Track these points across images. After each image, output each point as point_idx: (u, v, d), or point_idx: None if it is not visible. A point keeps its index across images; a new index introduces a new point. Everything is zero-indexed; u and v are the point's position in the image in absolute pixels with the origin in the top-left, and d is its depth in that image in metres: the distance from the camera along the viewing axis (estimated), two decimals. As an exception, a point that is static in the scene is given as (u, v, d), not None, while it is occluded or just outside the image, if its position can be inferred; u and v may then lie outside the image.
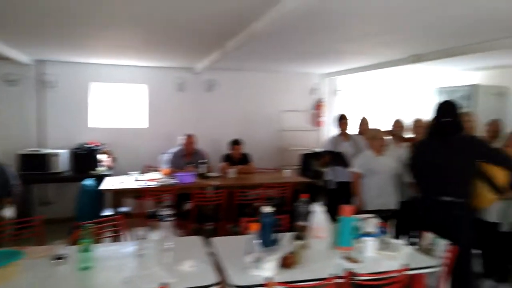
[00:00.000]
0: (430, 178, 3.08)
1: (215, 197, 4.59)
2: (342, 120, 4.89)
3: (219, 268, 2.35)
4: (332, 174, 4.83)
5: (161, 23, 3.40)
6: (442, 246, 2.69)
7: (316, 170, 5.53)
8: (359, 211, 3.78)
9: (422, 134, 3.79)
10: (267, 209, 2.51)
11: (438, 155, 3.01)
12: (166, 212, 2.74)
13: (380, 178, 3.89)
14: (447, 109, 3.05)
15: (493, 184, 2.90)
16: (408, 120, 4.60)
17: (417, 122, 4.32)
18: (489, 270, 3.69)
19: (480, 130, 4.36)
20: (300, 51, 4.74)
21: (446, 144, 3.00)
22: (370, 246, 2.55)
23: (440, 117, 3.06)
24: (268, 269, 2.18)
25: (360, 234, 2.70)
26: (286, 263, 2.29)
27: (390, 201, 3.92)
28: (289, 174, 5.39)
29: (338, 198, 4.76)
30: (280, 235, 2.58)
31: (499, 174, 2.90)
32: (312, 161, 5.82)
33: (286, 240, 2.61)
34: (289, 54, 4.98)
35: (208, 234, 3.55)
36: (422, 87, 6.95)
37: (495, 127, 4.28)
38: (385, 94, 7.52)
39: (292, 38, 3.94)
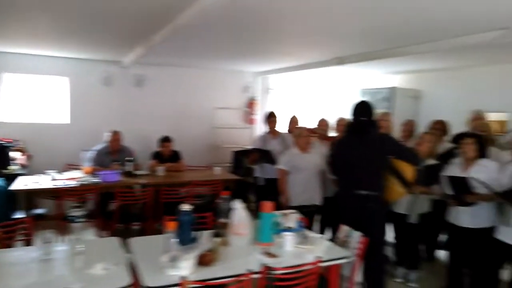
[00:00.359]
0: (347, 174, 3.25)
1: (142, 196, 4.42)
2: (270, 118, 4.98)
3: (134, 269, 2.26)
4: (261, 171, 4.90)
5: (73, 10, 3.14)
6: (356, 237, 2.85)
7: (246, 168, 5.58)
8: (285, 206, 3.88)
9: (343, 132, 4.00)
10: (186, 207, 2.47)
11: (354, 152, 3.19)
12: (78, 213, 2.57)
13: (305, 174, 4.02)
14: (363, 109, 3.23)
15: (402, 178, 3.13)
16: (333, 119, 4.81)
17: (340, 121, 4.54)
18: (401, 258, 3.99)
19: (396, 129, 4.71)
20: (228, 49, 4.74)
21: (361, 141, 3.18)
22: (289, 240, 2.62)
23: (358, 116, 3.24)
24: (184, 268, 2.14)
25: (280, 230, 2.76)
26: (204, 261, 2.27)
27: (315, 197, 4.07)
28: (219, 172, 5.37)
29: (267, 194, 4.85)
30: (199, 233, 2.55)
31: (407, 170, 3.14)
32: (243, 159, 5.86)
33: (206, 238, 2.58)
34: (219, 52, 4.96)
35: (134, 234, 3.41)
36: (348, 88, 7.34)
37: (409, 127, 4.65)
38: (314, 94, 7.81)
39: (218, 35, 3.91)
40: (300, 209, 3.88)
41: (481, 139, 3.50)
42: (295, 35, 3.82)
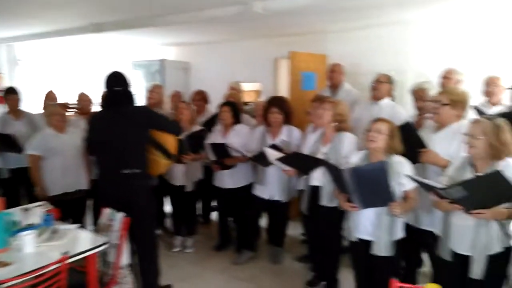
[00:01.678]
0: (106, 152, 2.94)
1: None
2: (8, 95, 4.04)
3: None
4: (2, 161, 3.98)
5: None
6: (120, 219, 2.64)
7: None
8: (43, 198, 3.29)
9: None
10: None
11: (112, 128, 2.89)
12: None
13: (63, 157, 3.48)
14: (116, 79, 2.94)
15: (165, 150, 3.07)
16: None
17: (82, 96, 4.11)
18: (178, 228, 4.05)
19: (166, 101, 4.66)
20: None
21: (118, 115, 2.90)
22: (29, 241, 2.16)
23: (111, 87, 2.93)
24: None
25: (19, 230, 2.25)
26: None
27: (80, 181, 3.60)
28: None
29: (16, 188, 4.03)
30: None
31: (169, 140, 3.09)
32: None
33: None
34: None
35: None
36: (119, 60, 6.85)
37: (176, 98, 4.68)
38: (78, 66, 6.95)
39: None
40: (63, 197, 3.41)
41: (235, 106, 3.83)
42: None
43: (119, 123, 2.88)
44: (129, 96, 2.96)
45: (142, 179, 2.95)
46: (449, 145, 2.45)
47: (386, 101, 3.61)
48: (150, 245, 3.04)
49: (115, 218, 2.67)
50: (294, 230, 4.14)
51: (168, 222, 4.42)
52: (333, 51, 4.97)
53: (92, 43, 6.18)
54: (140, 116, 2.96)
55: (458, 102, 2.47)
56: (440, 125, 2.55)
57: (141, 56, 6.64)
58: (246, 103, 4.86)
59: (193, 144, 3.64)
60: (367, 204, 2.33)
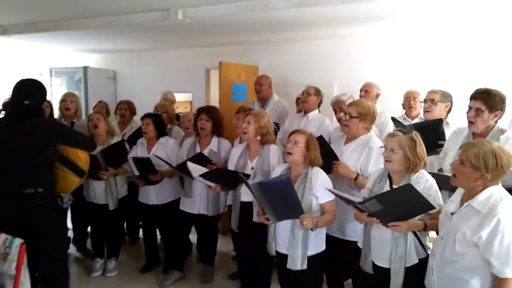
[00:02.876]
0: (5, 169, 2.58)
1: None
2: None
3: None
4: None
5: None
6: (18, 245, 2.30)
7: None
8: None
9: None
10: None
11: (13, 143, 2.55)
12: None
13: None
14: (28, 91, 2.62)
15: (75, 167, 2.77)
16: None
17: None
18: (99, 249, 3.71)
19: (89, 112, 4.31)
20: None
21: (20, 129, 2.56)
22: None
23: (21, 99, 2.59)
24: None
25: None
26: None
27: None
28: None
29: None
30: None
31: (79, 156, 2.79)
32: None
33: None
34: None
35: None
36: (34, 67, 6.21)
37: (99, 108, 4.33)
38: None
39: None
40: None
41: (158, 119, 3.61)
42: None
43: (20, 138, 2.55)
44: (35, 109, 2.65)
45: (46, 199, 2.62)
46: (358, 157, 2.51)
47: (314, 114, 3.64)
48: (56, 275, 2.71)
49: (12, 245, 2.33)
50: (226, 245, 4.00)
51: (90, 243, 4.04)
52: (264, 62, 4.97)
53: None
54: (45, 131, 2.64)
55: (366, 115, 2.54)
56: (351, 137, 2.61)
57: (62, 63, 6.13)
58: (178, 115, 4.62)
59: (112, 158, 3.37)
60: (279, 217, 2.31)
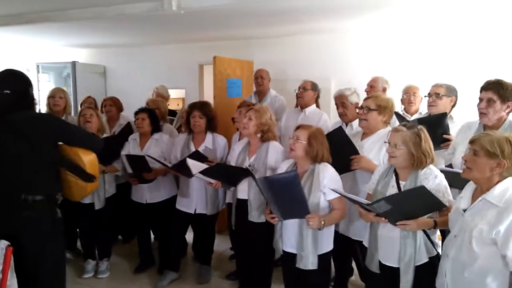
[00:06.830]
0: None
1: None
2: None
3: None
4: None
5: None
6: (2, 248, 2.15)
7: None
8: None
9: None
10: None
11: (1, 141, 2.27)
12: None
13: None
14: (5, 79, 2.26)
15: (80, 169, 2.38)
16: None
17: None
18: (89, 250, 3.57)
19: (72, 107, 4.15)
20: None
21: (8, 125, 2.28)
22: None
23: None
24: None
25: None
26: None
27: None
28: None
29: None
30: None
31: (85, 157, 2.41)
32: None
33: None
34: None
35: None
36: (20, 62, 6.01)
37: (88, 104, 4.18)
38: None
39: None
40: None
41: (153, 114, 3.48)
42: None
43: (7, 136, 2.25)
44: (21, 100, 2.26)
45: (42, 208, 2.24)
46: (379, 150, 2.41)
47: (311, 109, 3.56)
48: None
49: None
50: (223, 244, 3.90)
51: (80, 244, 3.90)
52: (260, 57, 4.87)
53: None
54: (40, 125, 2.28)
55: (385, 108, 2.46)
56: (369, 131, 2.52)
57: (49, 58, 5.93)
58: (170, 112, 4.47)
59: (102, 154, 3.21)
60: (285, 215, 2.24)
